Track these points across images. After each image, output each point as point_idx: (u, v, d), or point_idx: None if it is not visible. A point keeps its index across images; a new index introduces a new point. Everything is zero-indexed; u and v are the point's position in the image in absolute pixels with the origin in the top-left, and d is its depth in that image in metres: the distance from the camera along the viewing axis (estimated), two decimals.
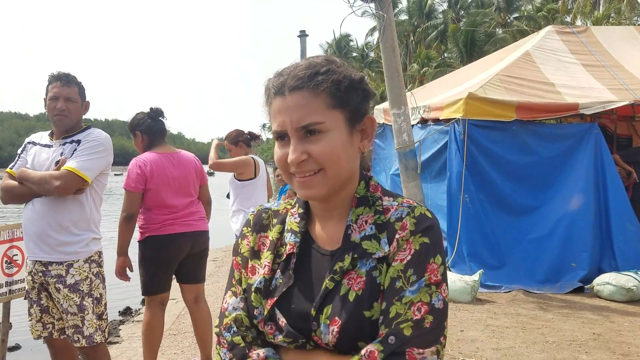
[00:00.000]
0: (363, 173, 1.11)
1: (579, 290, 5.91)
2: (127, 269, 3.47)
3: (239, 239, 1.15)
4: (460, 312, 5.19)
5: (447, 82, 9.37)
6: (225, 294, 1.11)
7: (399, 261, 0.98)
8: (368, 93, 1.08)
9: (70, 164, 2.72)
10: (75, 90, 2.88)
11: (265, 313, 1.03)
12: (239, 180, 4.59)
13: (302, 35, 8.91)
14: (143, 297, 3.91)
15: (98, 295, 2.87)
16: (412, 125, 7.42)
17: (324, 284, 1.01)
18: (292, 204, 1.16)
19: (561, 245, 6.09)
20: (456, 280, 5.54)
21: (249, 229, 1.15)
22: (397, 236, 1.01)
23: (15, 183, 2.79)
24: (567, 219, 6.14)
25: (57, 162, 2.75)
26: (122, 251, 3.44)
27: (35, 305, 2.91)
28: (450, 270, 6.07)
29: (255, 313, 1.05)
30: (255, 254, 1.12)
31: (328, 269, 1.03)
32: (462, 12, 44.82)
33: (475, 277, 5.56)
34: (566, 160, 6.29)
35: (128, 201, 3.40)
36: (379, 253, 1.01)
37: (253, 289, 1.06)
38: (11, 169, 2.87)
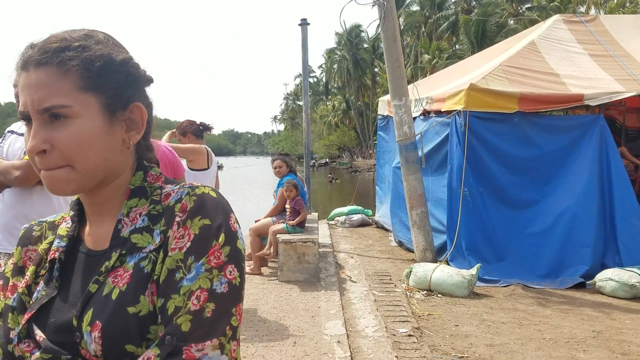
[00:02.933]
0: (143, 163, 0.98)
1: (580, 286, 5.78)
2: None
3: (7, 261, 1.00)
4: (456, 306, 5.10)
5: (451, 73, 9.22)
6: None
7: (178, 250, 0.84)
8: (135, 77, 0.93)
9: None
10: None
11: (20, 330, 0.88)
12: (191, 170, 4.49)
13: (304, 23, 8.76)
14: None
15: None
16: (415, 118, 7.32)
17: (87, 288, 0.87)
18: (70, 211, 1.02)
19: (563, 239, 5.96)
20: (453, 274, 5.45)
21: (18, 247, 1.00)
22: (177, 219, 0.87)
23: None
24: (569, 213, 6.00)
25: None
26: None
27: None
28: (448, 264, 5.98)
29: (11, 336, 0.89)
30: (20, 270, 0.97)
31: (94, 272, 0.89)
32: (474, 2, 44.31)
33: (473, 271, 5.47)
34: (569, 153, 6.14)
35: None
36: (150, 246, 0.88)
37: (10, 310, 0.92)
38: None
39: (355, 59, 59.76)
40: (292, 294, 5.47)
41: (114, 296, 0.83)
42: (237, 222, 0.91)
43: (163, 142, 3.62)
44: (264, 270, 6.45)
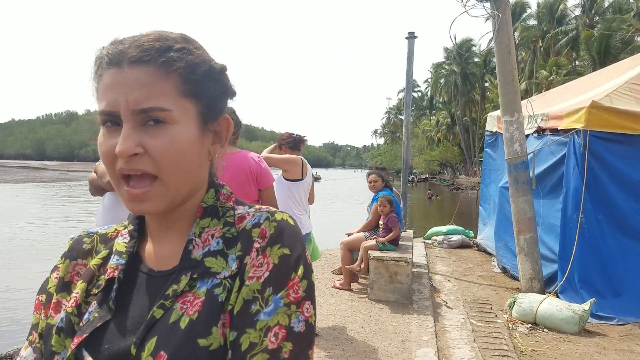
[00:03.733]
0: (214, 181, 0.91)
1: None
2: None
3: (50, 273, 0.89)
4: (564, 343, 4.58)
5: (569, 89, 8.49)
6: (22, 349, 0.85)
7: (256, 279, 0.76)
8: (228, 89, 0.87)
9: None
10: None
11: (69, 355, 0.77)
12: (286, 180, 4.43)
13: (411, 37, 8.53)
14: None
15: None
16: (527, 135, 6.80)
17: (151, 312, 0.77)
18: (126, 224, 0.92)
19: None
20: (563, 308, 4.91)
21: (62, 258, 0.90)
22: (255, 245, 0.79)
23: (95, 176, 2.90)
24: None
25: None
26: None
27: None
28: (558, 297, 5.42)
29: (40, 357, 0.80)
30: (65, 286, 0.86)
31: (158, 295, 0.79)
32: (597, 17, 41.33)
33: (586, 306, 4.89)
34: None
35: None
36: (225, 272, 0.79)
37: (54, 330, 0.81)
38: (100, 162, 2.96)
39: (465, 73, 58.14)
40: (382, 314, 5.22)
41: (182, 325, 0.74)
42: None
43: (254, 153, 3.57)
44: (354, 286, 6.26)
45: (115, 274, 0.82)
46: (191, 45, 0.81)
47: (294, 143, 4.57)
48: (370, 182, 6.51)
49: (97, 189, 2.94)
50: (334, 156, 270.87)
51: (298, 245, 0.81)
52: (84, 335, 0.77)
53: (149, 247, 0.86)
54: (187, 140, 0.78)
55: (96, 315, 0.80)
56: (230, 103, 0.91)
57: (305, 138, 4.65)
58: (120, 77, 0.75)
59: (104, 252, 0.88)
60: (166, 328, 0.75)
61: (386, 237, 5.93)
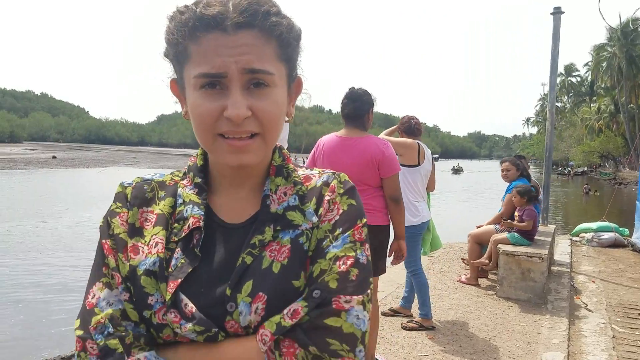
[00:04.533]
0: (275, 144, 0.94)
1: None
2: None
3: (107, 218, 0.89)
4: None
5: None
6: (90, 288, 0.84)
7: (327, 222, 0.88)
8: (300, 50, 0.90)
9: None
10: None
11: (168, 299, 0.80)
12: (401, 165, 4.08)
13: (557, 12, 7.75)
14: None
15: None
16: None
17: (240, 259, 0.83)
18: (180, 174, 0.95)
19: None
20: None
21: (121, 204, 0.90)
22: (327, 198, 0.90)
23: None
24: None
25: None
26: None
27: None
28: None
29: (149, 302, 0.81)
30: (137, 231, 0.87)
31: (242, 244, 0.85)
32: None
33: None
34: None
35: None
36: (305, 225, 0.87)
37: (142, 272, 0.82)
38: None
39: (631, 55, 51.86)
40: (510, 313, 4.87)
41: (275, 269, 0.82)
42: None
43: (382, 139, 3.47)
44: (483, 282, 5.92)
45: (200, 224, 0.86)
46: (280, 9, 0.83)
47: (409, 127, 4.42)
48: (502, 171, 6.09)
49: None
50: (479, 147, 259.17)
51: (360, 200, 0.93)
52: (179, 280, 0.81)
53: (218, 200, 0.91)
54: (283, 102, 0.85)
55: (182, 261, 0.83)
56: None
57: (421, 127, 4.47)
58: (227, 41, 0.77)
59: (169, 200, 0.90)
60: (260, 272, 0.82)
61: (517, 224, 5.49)
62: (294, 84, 0.90)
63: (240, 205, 0.90)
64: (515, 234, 5.52)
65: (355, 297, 0.81)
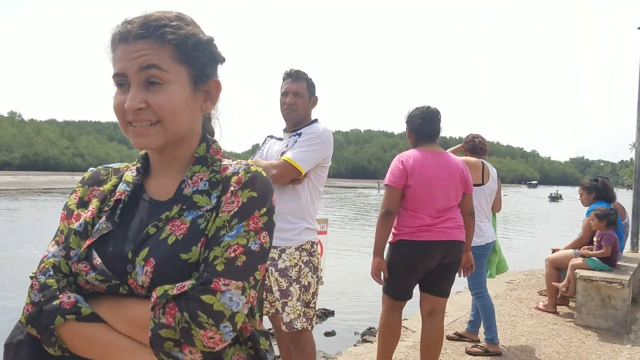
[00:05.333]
0: (206, 136, 1.14)
1: None
2: (382, 271, 3.33)
3: (69, 195, 1.14)
4: None
5: None
6: (48, 246, 1.08)
7: (226, 212, 1.00)
8: (215, 56, 1.10)
9: (287, 155, 2.88)
10: (304, 85, 3.03)
11: (81, 252, 1.01)
12: None
13: None
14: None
15: (306, 283, 2.93)
16: None
17: (146, 229, 1.01)
18: (135, 162, 1.16)
19: None
20: None
21: (80, 184, 1.15)
22: (231, 188, 1.03)
23: None
24: None
25: (283, 154, 2.95)
26: (378, 251, 3.35)
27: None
28: None
29: (71, 254, 1.02)
30: (83, 204, 1.11)
31: (154, 217, 1.03)
32: None
33: None
34: None
35: (387, 197, 3.31)
36: (207, 207, 1.03)
37: (73, 233, 1.05)
38: (251, 159, 3.20)
39: None
40: (587, 341, 4.62)
41: (169, 241, 0.99)
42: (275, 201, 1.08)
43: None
44: (562, 309, 5.65)
45: (122, 197, 1.08)
46: (183, 22, 1.04)
47: (473, 146, 4.42)
48: (581, 195, 5.84)
49: None
50: (582, 172, 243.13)
51: (266, 192, 1.04)
52: (94, 239, 1.02)
53: (151, 181, 1.12)
54: (181, 96, 1.03)
55: (104, 225, 1.04)
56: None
57: (485, 146, 4.46)
58: (127, 49, 1.00)
59: (114, 180, 1.13)
60: (157, 242, 0.99)
61: (593, 253, 5.23)
62: (206, 85, 1.08)
63: (166, 187, 1.09)
64: (595, 258, 5.24)
65: (234, 281, 0.94)
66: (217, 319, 0.92)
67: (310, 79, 3.10)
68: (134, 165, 1.16)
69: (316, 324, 5.84)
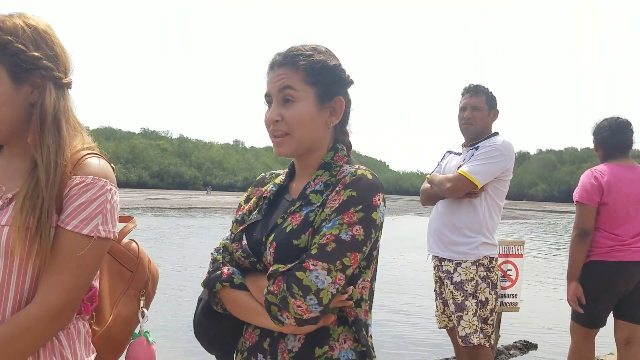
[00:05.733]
0: (336, 146, 1.34)
1: None
2: (579, 297, 3.06)
3: (243, 196, 1.46)
4: None
5: None
6: (227, 232, 1.40)
7: (329, 208, 1.20)
8: (340, 78, 1.32)
9: (463, 168, 2.85)
10: (483, 99, 3.00)
11: (235, 234, 1.33)
12: None
13: None
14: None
15: (483, 299, 2.85)
16: None
17: (276, 220, 1.27)
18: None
19: None
20: None
21: (252, 186, 1.47)
22: (336, 189, 1.22)
23: (429, 185, 3.14)
24: None
25: (459, 168, 2.92)
26: (573, 275, 3.09)
27: (438, 298, 3.14)
28: None
29: (230, 237, 1.35)
30: (248, 200, 1.43)
31: (284, 211, 1.29)
32: None
33: None
34: None
35: (581, 216, 3.06)
36: (317, 204, 1.24)
37: (234, 221, 1.39)
38: (429, 174, 3.22)
39: None
40: None
41: (287, 230, 1.23)
42: (384, 200, 1.24)
43: None
44: None
45: (268, 195, 1.38)
46: (316, 52, 1.30)
47: None
48: None
49: (429, 198, 3.13)
50: None
51: (365, 191, 1.20)
52: (245, 226, 1.34)
53: (293, 183, 1.39)
54: (307, 112, 1.27)
55: (255, 216, 1.35)
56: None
57: None
58: (272, 75, 1.30)
59: (271, 183, 1.43)
60: (279, 230, 1.24)
61: None
62: (331, 102, 1.30)
63: (300, 187, 1.33)
64: None
65: (321, 263, 1.13)
66: (305, 291, 1.12)
67: (491, 92, 3.04)
68: (286, 170, 1.45)
69: (516, 356, 5.48)
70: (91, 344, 1.28)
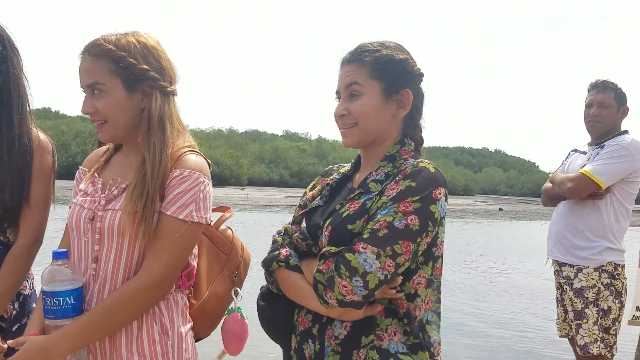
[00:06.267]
0: (404, 140, 1.37)
1: None
2: None
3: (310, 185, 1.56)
4: None
5: None
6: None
7: (386, 196, 1.24)
8: (407, 72, 1.35)
9: (586, 168, 2.70)
10: (611, 95, 2.81)
11: (296, 217, 1.43)
12: None
13: None
14: None
15: (606, 307, 2.68)
16: None
17: (335, 206, 1.34)
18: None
19: None
20: None
21: (319, 177, 1.55)
22: (396, 178, 1.26)
23: (550, 185, 3.00)
24: None
25: (583, 167, 2.75)
26: None
27: (559, 305, 2.98)
28: None
29: (292, 220, 1.45)
30: (313, 188, 1.51)
31: (344, 199, 1.35)
32: None
33: None
34: None
35: None
36: (375, 192, 1.29)
37: (297, 206, 1.49)
38: (551, 173, 3.08)
39: None
40: None
41: (343, 215, 1.30)
42: (446, 196, 1.26)
43: None
44: None
45: (330, 183, 1.46)
46: (383, 47, 1.35)
47: None
48: None
49: (551, 198, 3.00)
50: None
51: (425, 184, 1.22)
52: (305, 210, 1.43)
53: (357, 173, 1.46)
54: (372, 104, 1.32)
55: (317, 202, 1.42)
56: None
57: None
58: (341, 72, 1.38)
59: (336, 173, 1.50)
60: (336, 215, 1.31)
61: None
62: (398, 95, 1.34)
63: (362, 177, 1.39)
64: None
65: (371, 247, 1.17)
66: (352, 272, 1.16)
67: (620, 88, 2.85)
68: (351, 163, 1.52)
69: None
70: (188, 315, 1.47)
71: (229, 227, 1.63)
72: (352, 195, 1.33)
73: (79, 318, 1.30)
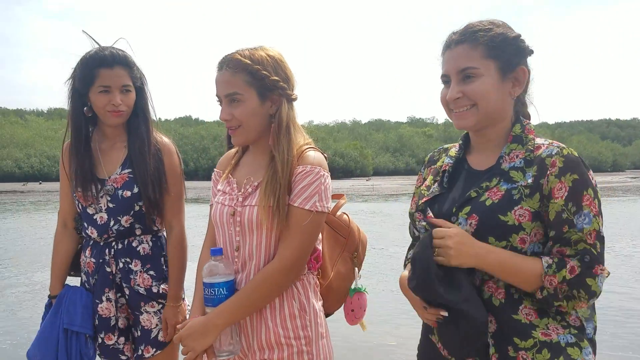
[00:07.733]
0: (520, 118, 1.37)
1: None
2: None
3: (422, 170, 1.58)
4: None
5: None
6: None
7: (560, 198, 1.21)
8: (521, 49, 1.33)
9: None
10: None
11: (419, 205, 1.44)
12: None
13: None
14: None
15: None
16: None
17: (469, 193, 1.32)
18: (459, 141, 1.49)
19: None
20: None
21: (422, 167, 1.57)
22: (548, 172, 1.23)
23: None
24: None
25: None
26: None
27: None
28: None
29: (414, 208, 1.48)
30: (423, 180, 1.53)
31: (474, 184, 1.33)
32: None
33: None
34: None
35: None
36: (521, 182, 1.26)
37: (415, 194, 1.52)
38: None
39: None
40: None
41: (487, 203, 1.28)
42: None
43: None
44: None
45: (447, 168, 1.45)
46: (494, 26, 1.32)
47: None
48: None
49: None
50: None
51: (583, 172, 1.22)
52: (428, 198, 1.44)
53: (472, 155, 1.44)
54: (490, 84, 1.30)
55: (436, 189, 1.43)
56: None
57: None
58: (450, 54, 1.34)
59: (443, 158, 1.51)
60: (477, 203, 1.30)
61: None
62: (514, 73, 1.31)
63: (484, 160, 1.38)
64: None
65: (603, 267, 1.21)
66: (591, 295, 1.22)
67: None
68: (457, 144, 1.50)
69: None
70: (318, 293, 1.65)
71: (344, 213, 1.77)
72: (490, 183, 1.31)
73: (230, 299, 1.50)
